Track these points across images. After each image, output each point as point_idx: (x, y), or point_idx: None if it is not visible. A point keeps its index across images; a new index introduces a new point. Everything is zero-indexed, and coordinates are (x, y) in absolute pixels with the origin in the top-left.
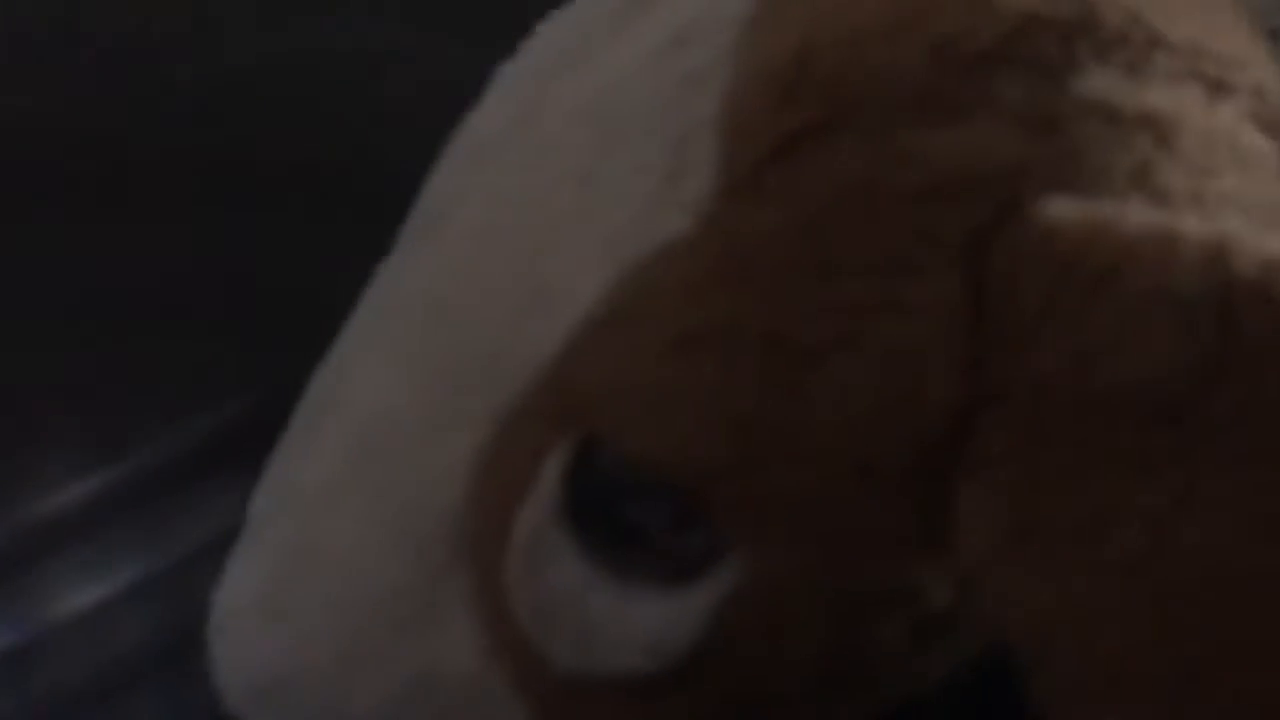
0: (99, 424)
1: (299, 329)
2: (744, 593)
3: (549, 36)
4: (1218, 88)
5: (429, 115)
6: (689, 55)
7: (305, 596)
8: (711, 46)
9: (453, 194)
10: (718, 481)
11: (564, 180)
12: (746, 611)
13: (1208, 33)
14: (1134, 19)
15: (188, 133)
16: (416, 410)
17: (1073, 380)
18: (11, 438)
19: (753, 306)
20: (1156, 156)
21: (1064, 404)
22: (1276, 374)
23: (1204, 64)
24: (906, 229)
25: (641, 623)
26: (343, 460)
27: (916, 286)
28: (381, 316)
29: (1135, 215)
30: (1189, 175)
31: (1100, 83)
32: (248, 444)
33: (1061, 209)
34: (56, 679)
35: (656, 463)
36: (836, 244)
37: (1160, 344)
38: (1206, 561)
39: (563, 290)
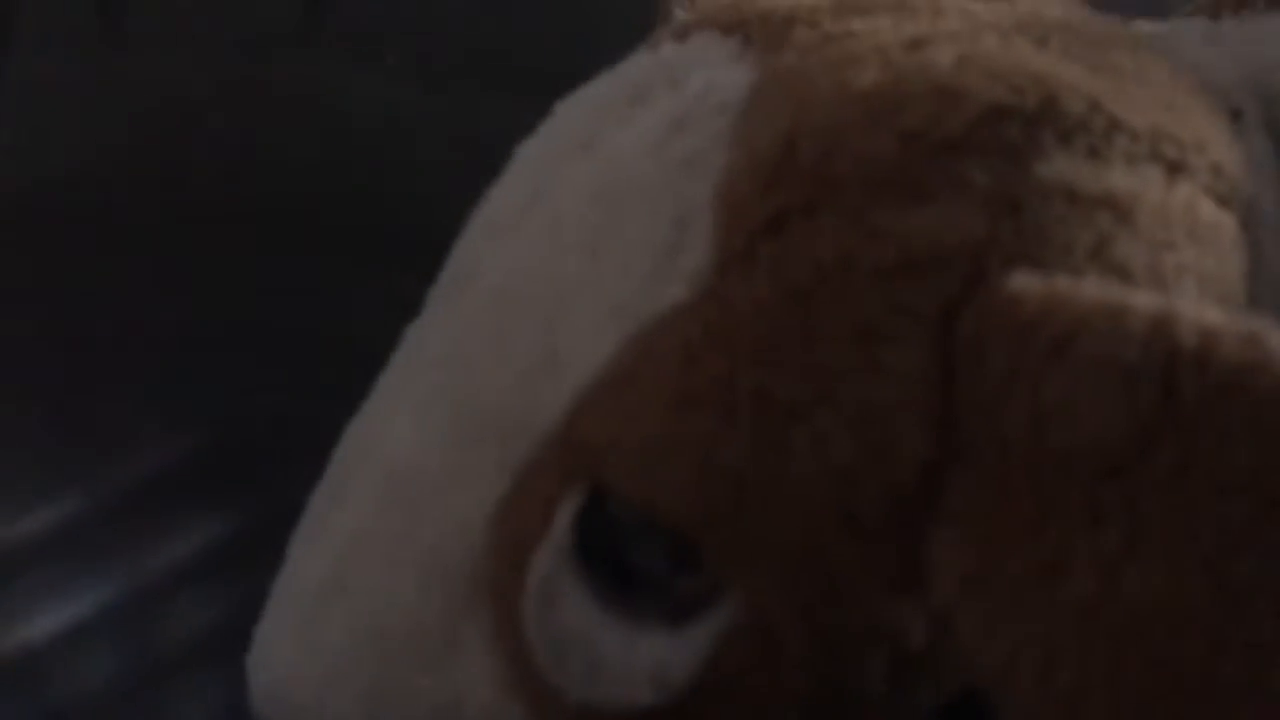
0: (71, 446)
1: (266, 363)
2: (739, 630)
3: (562, 117)
4: (1177, 168)
5: (458, 172)
6: (687, 141)
7: (336, 630)
8: (707, 134)
9: (473, 261)
10: (711, 527)
11: (574, 253)
12: (741, 648)
13: (1168, 118)
14: (1095, 107)
15: (218, 184)
16: (439, 462)
17: (1030, 439)
18: None
19: (743, 368)
20: (1115, 232)
21: (1022, 461)
22: (1210, 435)
23: (1163, 146)
24: (881, 300)
25: (646, 658)
26: (372, 507)
27: (890, 352)
28: (409, 373)
29: (1090, 288)
30: (1147, 250)
31: (1062, 166)
32: (218, 469)
33: (1023, 282)
34: (26, 701)
35: (656, 510)
36: (818, 312)
37: (1108, 406)
38: (1151, 602)
39: (572, 354)
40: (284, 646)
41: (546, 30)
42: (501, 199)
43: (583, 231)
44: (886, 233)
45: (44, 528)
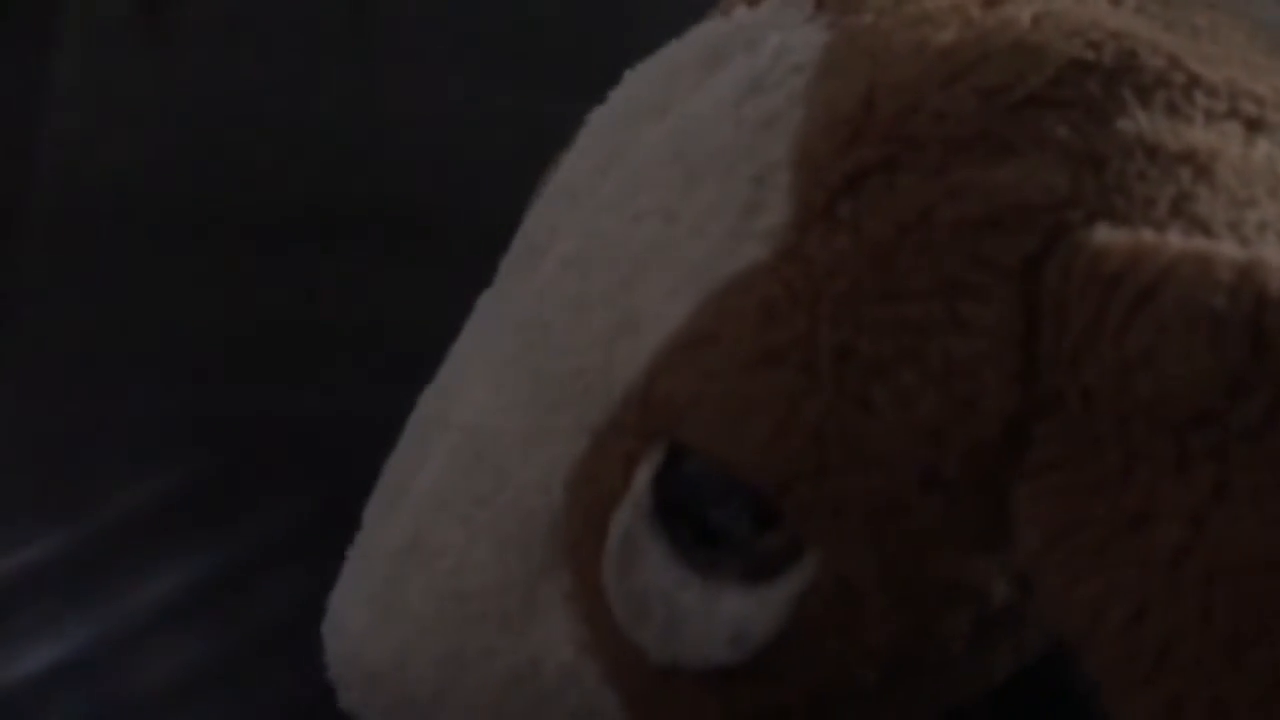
0: (51, 488)
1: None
2: (819, 589)
3: (634, 84)
4: (1256, 125)
5: (521, 166)
6: (764, 101)
7: (415, 594)
8: (783, 94)
9: (548, 228)
10: (794, 485)
11: (650, 215)
12: (821, 606)
13: (1246, 75)
14: (1174, 63)
15: (279, 181)
16: (518, 425)
17: (1117, 390)
18: None
19: (825, 325)
20: (1195, 188)
21: (1108, 411)
22: None
23: (1242, 103)
24: (963, 255)
25: (725, 617)
26: (451, 470)
27: (974, 307)
28: (485, 340)
29: (1174, 240)
30: (1227, 205)
31: (1142, 121)
32: (195, 510)
33: (1107, 235)
34: None
35: (738, 468)
36: (900, 269)
37: (1195, 356)
38: (1239, 550)
39: (650, 315)
40: (361, 612)
41: (581, 22)
42: (574, 166)
43: (659, 194)
44: (968, 188)
45: (24, 570)
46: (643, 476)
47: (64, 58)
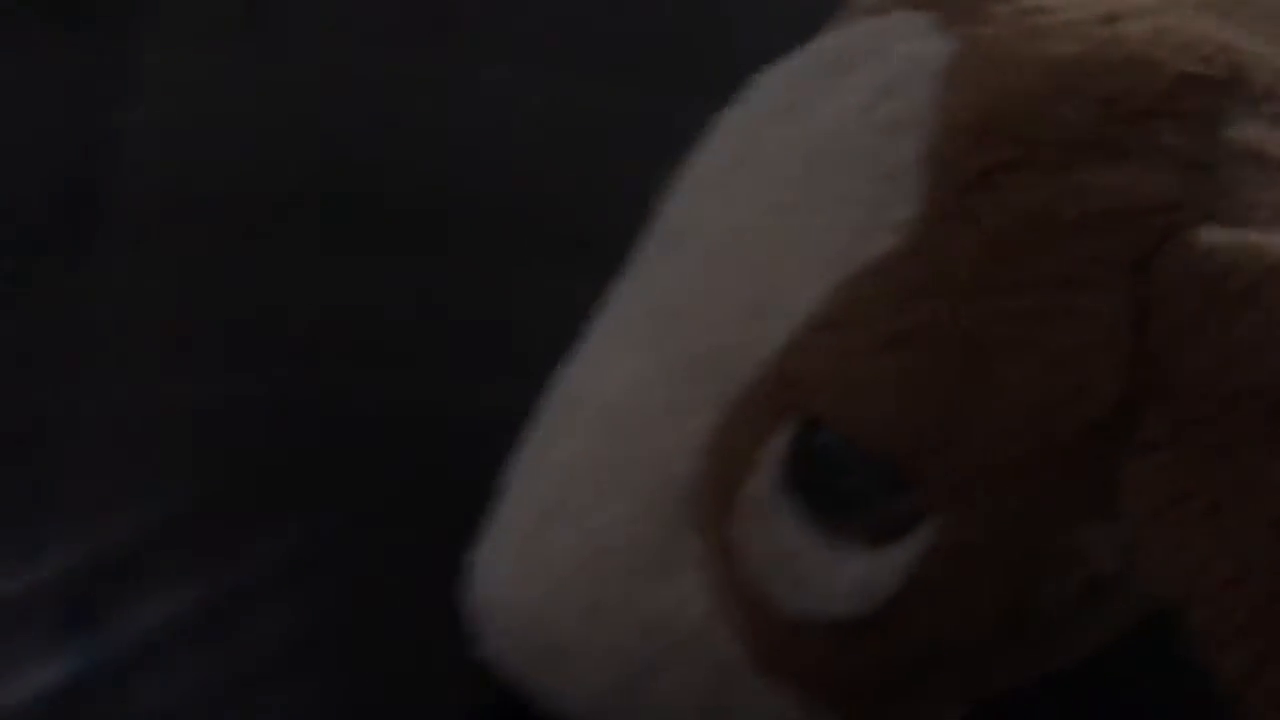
0: (53, 509)
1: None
2: (939, 550)
3: (765, 88)
4: None
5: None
6: (894, 105)
7: (558, 551)
8: (913, 98)
9: (687, 220)
10: (922, 456)
11: (785, 208)
12: (939, 567)
13: None
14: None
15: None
16: (658, 397)
17: (1220, 376)
18: None
19: (952, 311)
20: None
21: (1213, 396)
22: None
23: None
24: (1081, 250)
25: (850, 575)
26: (593, 439)
27: (1088, 298)
28: (624, 322)
29: (1277, 241)
30: None
31: (1249, 131)
32: (189, 537)
33: (1215, 235)
34: None
35: (869, 441)
36: (1022, 261)
37: None
38: None
39: (785, 299)
40: (505, 566)
41: (669, 22)
42: (709, 163)
43: (794, 189)
44: (1087, 189)
45: (20, 591)
46: (776, 446)
47: (158, 50)
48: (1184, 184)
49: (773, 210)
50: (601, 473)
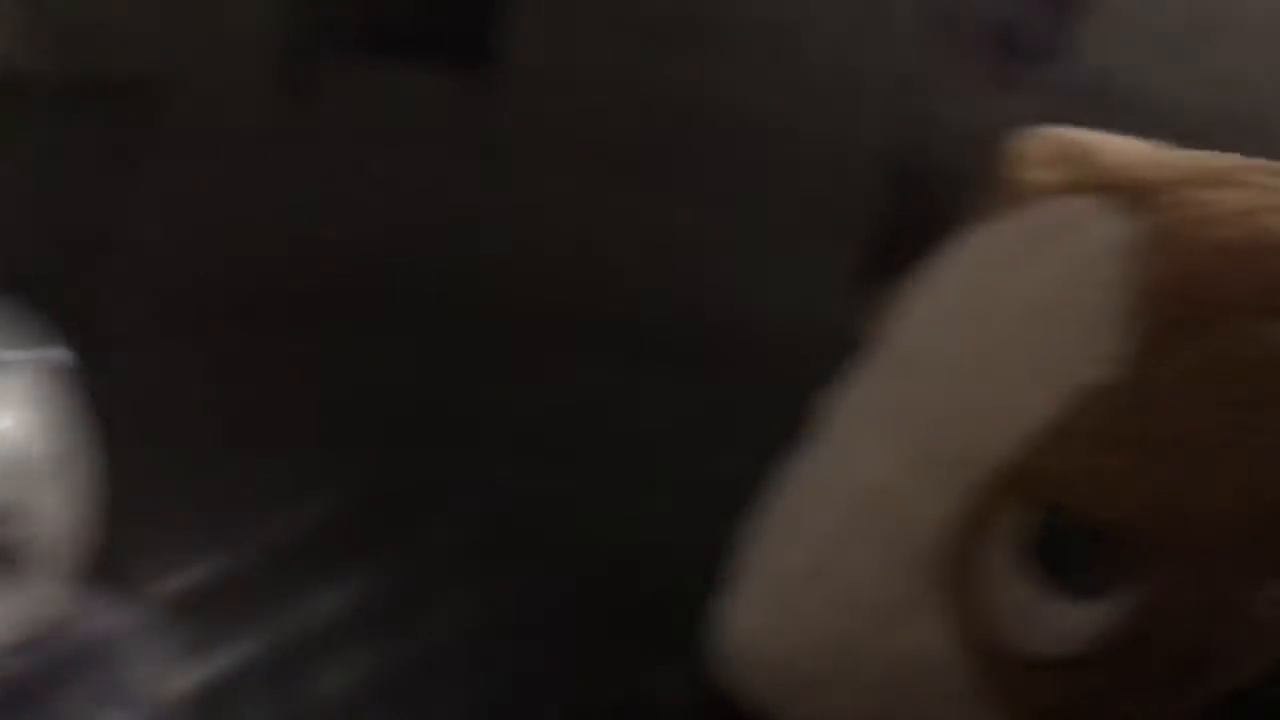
0: (214, 514)
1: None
2: (1145, 603)
3: (981, 247)
4: None
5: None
6: (1100, 269)
7: (814, 605)
8: (1115, 264)
9: (924, 344)
10: (1138, 531)
11: (1015, 343)
12: (1144, 615)
13: None
14: None
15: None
16: (910, 483)
17: None
18: (134, 523)
19: (1161, 423)
20: None
21: None
22: None
23: None
24: (1259, 379)
25: (1071, 622)
26: (849, 512)
27: (1262, 415)
28: (867, 419)
29: None
30: None
31: None
32: (343, 539)
33: None
34: None
35: (1097, 519)
36: (1213, 385)
37: None
38: None
39: (1020, 412)
40: (760, 615)
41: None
42: (936, 302)
43: (1023, 328)
44: (1259, 337)
45: (188, 587)
46: (1019, 522)
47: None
48: None
49: (1005, 342)
50: (857, 542)
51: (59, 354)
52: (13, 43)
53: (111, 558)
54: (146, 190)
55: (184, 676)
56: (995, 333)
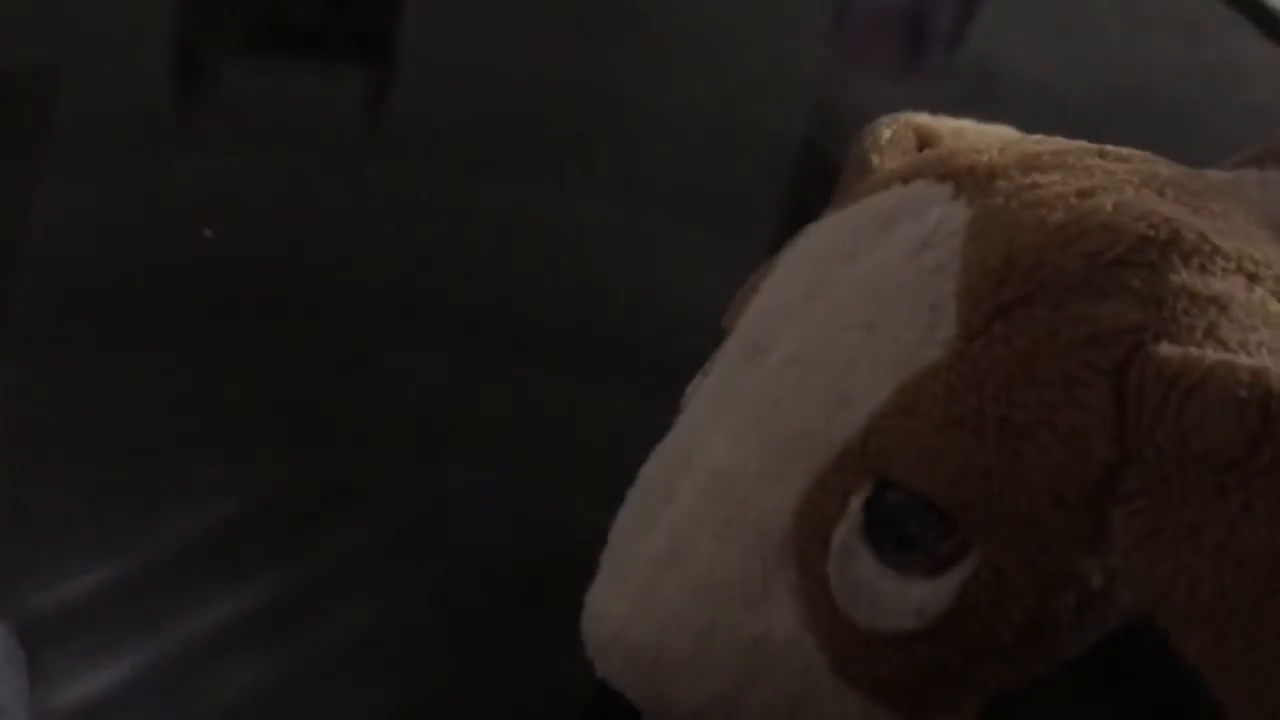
0: (108, 519)
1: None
2: (979, 576)
3: (821, 237)
4: (1254, 278)
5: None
6: (933, 254)
7: (673, 590)
8: (947, 250)
9: (766, 334)
10: (968, 508)
11: (856, 328)
12: (979, 589)
13: (1247, 244)
14: (1202, 237)
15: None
16: (757, 468)
17: (1177, 448)
18: (28, 530)
19: (989, 403)
20: (1219, 320)
21: (1173, 460)
22: None
23: (1245, 263)
24: (1077, 360)
25: (913, 598)
26: (702, 499)
27: (1085, 394)
28: (716, 409)
29: (1210, 354)
30: (1240, 331)
31: (1184, 277)
32: (241, 542)
33: (1167, 350)
34: None
35: (931, 497)
36: (1037, 367)
37: (1227, 424)
38: (1258, 545)
39: (860, 395)
40: (622, 604)
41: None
42: (781, 292)
43: (862, 314)
44: (1080, 318)
45: (82, 595)
46: (858, 503)
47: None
48: (1145, 315)
49: (847, 328)
50: (712, 525)
51: None
52: None
53: None
54: (35, 190)
55: (70, 690)
56: (838, 318)
